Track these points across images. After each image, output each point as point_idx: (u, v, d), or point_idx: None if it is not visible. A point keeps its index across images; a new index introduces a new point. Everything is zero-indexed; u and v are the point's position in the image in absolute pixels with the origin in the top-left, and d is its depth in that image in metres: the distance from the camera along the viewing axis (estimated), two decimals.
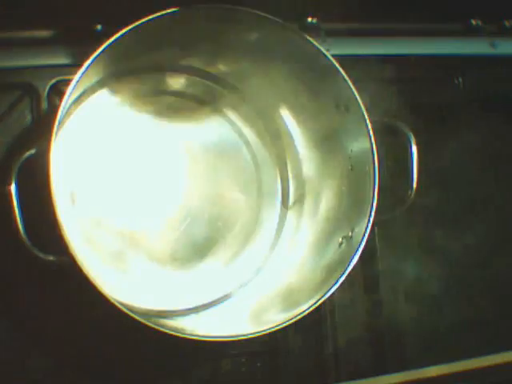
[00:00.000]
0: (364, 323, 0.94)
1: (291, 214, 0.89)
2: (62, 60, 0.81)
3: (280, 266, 0.87)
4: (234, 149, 0.89)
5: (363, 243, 0.79)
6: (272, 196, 0.90)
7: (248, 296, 0.86)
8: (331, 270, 0.79)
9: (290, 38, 0.79)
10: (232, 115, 0.89)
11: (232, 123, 0.89)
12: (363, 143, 0.81)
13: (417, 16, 0.86)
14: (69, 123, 0.81)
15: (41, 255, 0.71)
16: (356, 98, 0.80)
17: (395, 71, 0.94)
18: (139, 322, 0.69)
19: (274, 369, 0.91)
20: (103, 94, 0.83)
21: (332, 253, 0.82)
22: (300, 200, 0.89)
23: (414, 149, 0.83)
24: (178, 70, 0.86)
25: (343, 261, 0.79)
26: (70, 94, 0.70)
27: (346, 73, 0.80)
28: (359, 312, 0.94)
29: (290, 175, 0.90)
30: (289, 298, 0.82)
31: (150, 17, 0.71)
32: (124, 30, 0.71)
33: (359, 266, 0.90)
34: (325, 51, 0.79)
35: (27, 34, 0.81)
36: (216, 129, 0.88)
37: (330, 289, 0.77)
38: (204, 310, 0.85)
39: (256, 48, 0.81)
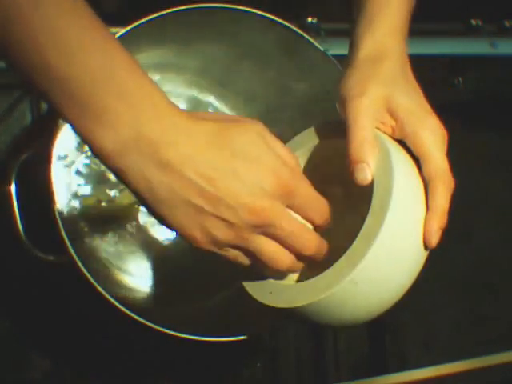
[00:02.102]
0: (364, 324, 0.94)
1: None
2: None
3: None
4: None
5: None
6: None
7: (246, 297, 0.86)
8: None
9: (290, 37, 0.79)
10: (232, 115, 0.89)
11: None
12: None
13: (417, 16, 0.86)
14: None
15: (41, 255, 0.71)
16: None
17: None
18: (139, 322, 0.69)
19: (273, 369, 0.91)
20: None
21: None
22: None
23: None
24: (177, 69, 0.86)
25: None
26: None
27: None
28: None
29: None
30: None
31: (150, 17, 0.71)
32: (124, 30, 0.71)
33: None
34: (325, 51, 0.79)
35: None
36: None
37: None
38: (204, 309, 0.85)
39: (256, 48, 0.81)
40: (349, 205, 0.67)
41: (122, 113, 0.49)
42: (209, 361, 0.88)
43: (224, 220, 0.51)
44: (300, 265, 0.56)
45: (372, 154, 0.58)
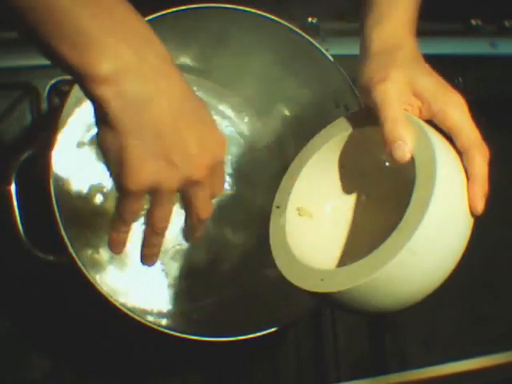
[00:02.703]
0: (364, 323, 0.94)
1: None
2: None
3: None
4: (233, 147, 0.89)
5: None
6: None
7: (247, 296, 0.86)
8: None
9: (290, 37, 0.79)
10: (231, 115, 0.89)
11: (232, 123, 0.89)
12: None
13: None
14: (69, 123, 0.81)
15: (41, 255, 0.71)
16: (356, 98, 0.80)
17: None
18: (139, 322, 0.69)
19: (274, 369, 0.91)
20: None
21: None
22: None
23: None
24: (180, 70, 0.86)
25: None
26: (71, 93, 0.70)
27: (346, 73, 0.80)
28: None
29: None
30: (289, 298, 0.82)
31: (150, 17, 0.71)
32: None
33: None
34: (325, 51, 0.79)
35: None
36: None
37: None
38: (204, 309, 0.85)
39: (255, 48, 0.81)
40: (385, 194, 0.69)
41: (125, 37, 0.51)
42: (209, 361, 0.88)
43: (175, 165, 0.53)
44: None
45: (407, 131, 0.60)
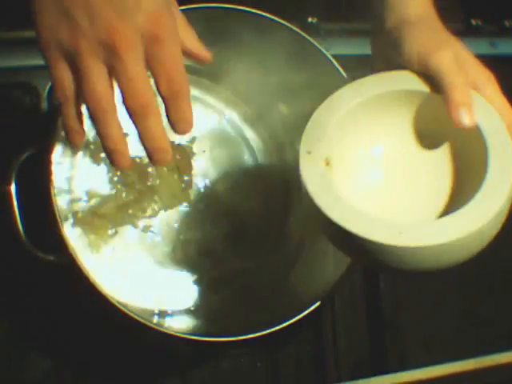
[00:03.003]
0: (364, 323, 0.94)
1: None
2: None
3: (282, 266, 0.87)
4: (233, 147, 0.89)
5: None
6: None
7: (247, 296, 0.86)
8: (330, 269, 0.79)
9: (290, 37, 0.79)
10: (231, 115, 0.89)
11: (232, 124, 0.89)
12: None
13: None
14: None
15: (41, 255, 0.71)
16: None
17: None
18: (139, 322, 0.69)
19: (273, 369, 0.91)
20: None
21: (332, 253, 0.82)
22: None
23: None
24: None
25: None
26: None
27: (346, 73, 0.80)
28: (359, 312, 0.94)
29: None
30: (288, 298, 0.82)
31: None
32: None
33: (359, 265, 0.90)
34: (325, 51, 0.80)
35: (27, 33, 0.81)
36: (216, 129, 0.88)
37: (329, 289, 0.77)
38: (205, 310, 0.85)
39: (255, 48, 0.81)
40: (427, 154, 0.70)
41: None
42: (209, 361, 0.88)
43: (74, 21, 0.48)
44: (115, 127, 0.50)
45: (471, 98, 0.62)
